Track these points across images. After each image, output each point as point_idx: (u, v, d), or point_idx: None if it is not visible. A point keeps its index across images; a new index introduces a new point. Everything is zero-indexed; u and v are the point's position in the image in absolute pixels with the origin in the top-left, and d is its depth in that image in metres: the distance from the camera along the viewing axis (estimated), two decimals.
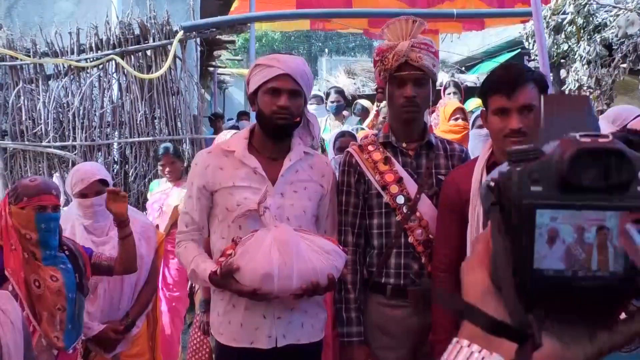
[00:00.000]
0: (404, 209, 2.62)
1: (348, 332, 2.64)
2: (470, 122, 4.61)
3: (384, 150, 2.70)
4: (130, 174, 6.40)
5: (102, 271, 3.15)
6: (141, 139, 6.37)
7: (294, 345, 2.57)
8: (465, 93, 7.47)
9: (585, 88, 5.20)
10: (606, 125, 3.18)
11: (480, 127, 4.07)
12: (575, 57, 5.29)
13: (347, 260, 2.62)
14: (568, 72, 5.42)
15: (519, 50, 13.94)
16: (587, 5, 5.26)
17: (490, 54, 16.38)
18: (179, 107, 6.49)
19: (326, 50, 33.23)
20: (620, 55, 4.82)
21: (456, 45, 15.24)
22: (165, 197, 5.22)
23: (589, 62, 5.18)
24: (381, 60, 2.63)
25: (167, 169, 5.27)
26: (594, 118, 0.71)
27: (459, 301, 0.66)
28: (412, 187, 2.64)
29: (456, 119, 5.50)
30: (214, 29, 6.60)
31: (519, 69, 2.41)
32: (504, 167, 0.66)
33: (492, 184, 0.67)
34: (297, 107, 2.57)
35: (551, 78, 4.90)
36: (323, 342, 2.76)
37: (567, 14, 5.30)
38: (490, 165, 2.45)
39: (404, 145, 2.71)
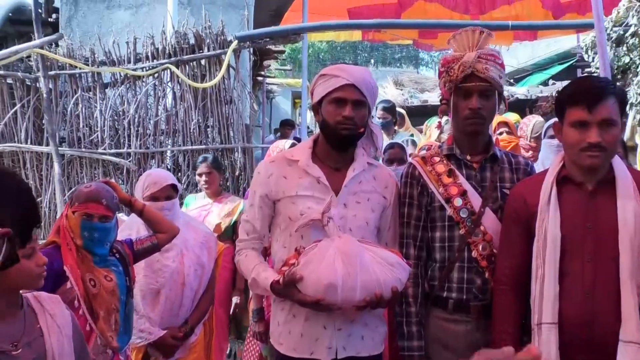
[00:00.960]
0: (468, 223, 2.58)
1: (409, 347, 2.60)
2: (543, 131, 4.50)
3: (447, 163, 2.67)
4: (182, 182, 6.46)
5: (149, 251, 3.15)
6: (194, 147, 6.42)
7: (354, 357, 2.55)
8: (516, 105, 7.35)
9: None
10: None
11: (552, 137, 3.99)
12: (638, 70, 5.15)
13: (409, 273, 2.60)
14: (629, 85, 5.28)
15: (572, 62, 13.73)
16: None
17: (540, 66, 16.15)
18: (231, 116, 6.52)
19: (372, 60, 33.29)
20: None
21: (504, 56, 15.00)
22: (205, 213, 4.95)
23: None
24: (447, 71, 2.60)
25: (203, 179, 5.04)
26: None
27: None
28: (476, 200, 2.59)
29: (500, 134, 5.40)
30: (268, 39, 6.63)
31: (602, 82, 2.38)
32: None
33: None
34: (361, 118, 2.56)
35: None
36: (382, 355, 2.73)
37: (630, 25, 5.17)
38: (560, 180, 2.41)
39: (468, 157, 2.67)
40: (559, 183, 2.42)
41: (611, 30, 5.38)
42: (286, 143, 4.22)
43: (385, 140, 6.42)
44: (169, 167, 6.52)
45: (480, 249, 2.57)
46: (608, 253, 2.29)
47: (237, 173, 6.55)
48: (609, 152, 2.31)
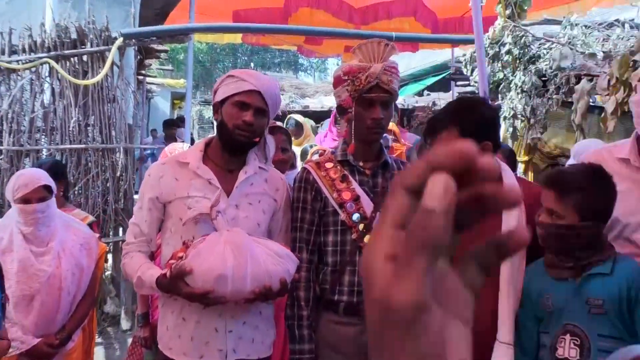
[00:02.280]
0: (360, 227, 2.64)
1: (300, 350, 2.62)
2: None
3: (341, 168, 2.72)
4: None
5: None
6: (73, 146, 6.18)
7: None
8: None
9: (519, 116, 5.39)
10: (572, 160, 3.40)
11: None
12: (511, 85, 5.48)
13: (301, 277, 2.64)
14: (503, 100, 5.60)
15: (445, 74, 14.37)
16: (524, 37, 5.47)
17: (415, 77, 16.82)
18: (114, 115, 6.34)
19: (252, 64, 33.26)
20: (553, 87, 5.02)
21: None
22: None
23: (523, 91, 5.38)
24: (352, 80, 2.65)
25: None
26: None
27: None
28: (368, 205, 2.66)
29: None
30: (155, 38, 6.49)
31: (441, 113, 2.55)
32: None
33: None
34: (260, 126, 2.58)
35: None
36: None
37: (505, 44, 5.49)
38: None
39: (361, 164, 2.73)
40: None
41: (488, 46, 5.68)
42: (184, 145, 4.13)
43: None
44: None
45: None
46: None
47: (118, 174, 6.37)
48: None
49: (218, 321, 2.50)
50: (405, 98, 14.42)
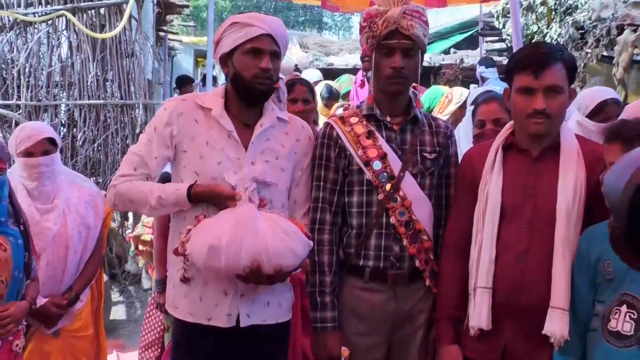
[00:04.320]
0: (387, 187, 2.46)
1: (322, 318, 2.46)
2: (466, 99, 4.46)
3: (367, 124, 2.52)
4: (78, 138, 6.08)
5: None
6: (91, 101, 6.04)
7: (260, 325, 2.39)
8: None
9: None
10: (575, 114, 3.13)
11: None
12: (546, 38, 5.20)
13: (324, 240, 2.48)
14: None
15: (473, 31, 13.97)
16: None
17: (442, 35, 16.39)
18: (132, 71, 6.19)
19: None
20: (593, 39, 4.74)
21: None
22: None
23: (559, 45, 5.11)
24: (369, 26, 2.44)
25: None
26: None
27: None
28: (396, 164, 2.47)
29: None
30: None
31: (549, 48, 2.34)
32: None
33: None
34: (277, 71, 2.40)
35: None
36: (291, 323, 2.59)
37: None
38: (507, 146, 2.39)
39: (388, 119, 2.53)
40: (506, 149, 2.40)
41: None
42: None
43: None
44: (63, 122, 6.12)
45: (398, 215, 2.45)
46: (545, 219, 2.27)
47: (137, 131, 6.24)
48: (555, 119, 2.27)
49: (227, 284, 2.33)
50: (432, 56, 14.05)
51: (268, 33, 2.33)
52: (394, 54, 2.41)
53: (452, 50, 15.42)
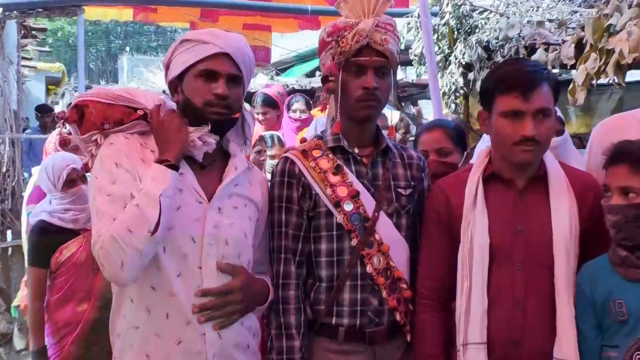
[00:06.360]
0: (360, 231, 2.09)
1: None
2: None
3: (333, 157, 2.15)
4: None
5: None
6: None
7: None
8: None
9: (460, 91, 5.06)
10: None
11: None
12: (450, 59, 5.09)
13: (289, 297, 2.10)
14: (442, 76, 5.20)
15: None
16: (462, 7, 5.10)
17: (301, 58, 16.22)
18: None
19: (127, 48, 31.86)
20: (500, 58, 4.68)
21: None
22: None
23: (462, 65, 5.02)
24: (337, 41, 2.08)
25: None
26: None
27: None
28: (369, 203, 2.12)
29: None
30: (41, 9, 5.61)
31: (534, 66, 2.09)
32: None
33: None
34: (236, 98, 2.00)
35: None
36: None
37: (444, 14, 5.10)
38: (487, 177, 2.06)
39: (357, 150, 2.18)
40: (485, 181, 2.10)
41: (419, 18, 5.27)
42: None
43: None
44: None
45: (375, 262, 2.10)
46: (541, 260, 2.03)
47: (3, 169, 5.51)
48: (543, 146, 2.03)
49: None
50: (298, 79, 13.80)
51: (225, 52, 1.94)
52: (366, 73, 2.08)
53: (317, 72, 15.31)
